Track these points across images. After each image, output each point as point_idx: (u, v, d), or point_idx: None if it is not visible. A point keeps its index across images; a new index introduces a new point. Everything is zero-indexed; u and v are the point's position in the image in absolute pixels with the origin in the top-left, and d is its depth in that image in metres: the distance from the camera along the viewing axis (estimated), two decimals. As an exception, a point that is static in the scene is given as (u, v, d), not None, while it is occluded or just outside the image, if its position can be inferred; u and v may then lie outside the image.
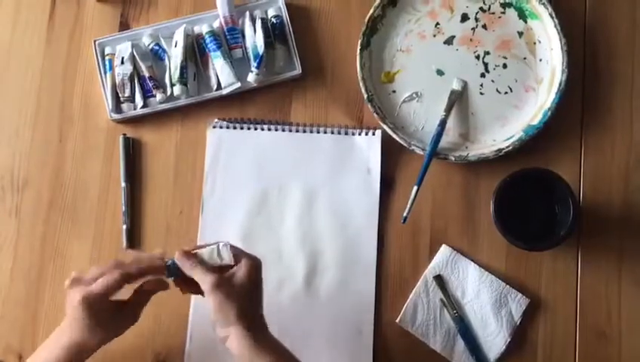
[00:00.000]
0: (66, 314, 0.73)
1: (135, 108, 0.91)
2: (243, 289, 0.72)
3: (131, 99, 0.91)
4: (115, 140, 0.91)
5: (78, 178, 0.91)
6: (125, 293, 0.75)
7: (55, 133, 0.92)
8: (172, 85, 0.90)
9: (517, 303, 0.86)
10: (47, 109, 0.93)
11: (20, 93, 0.93)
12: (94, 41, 0.92)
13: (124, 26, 0.95)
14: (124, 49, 0.91)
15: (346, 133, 0.91)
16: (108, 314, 0.72)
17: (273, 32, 0.92)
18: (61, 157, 0.92)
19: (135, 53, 0.91)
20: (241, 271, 0.72)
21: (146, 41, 0.92)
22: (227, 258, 0.73)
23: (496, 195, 0.84)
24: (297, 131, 0.92)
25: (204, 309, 0.85)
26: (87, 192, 0.91)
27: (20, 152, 0.92)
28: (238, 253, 0.74)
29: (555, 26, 0.90)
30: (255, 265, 0.73)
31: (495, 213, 0.83)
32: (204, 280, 0.71)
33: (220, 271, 0.72)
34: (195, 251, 0.74)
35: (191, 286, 0.75)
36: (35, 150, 0.92)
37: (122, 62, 0.90)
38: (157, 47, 0.92)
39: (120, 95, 0.91)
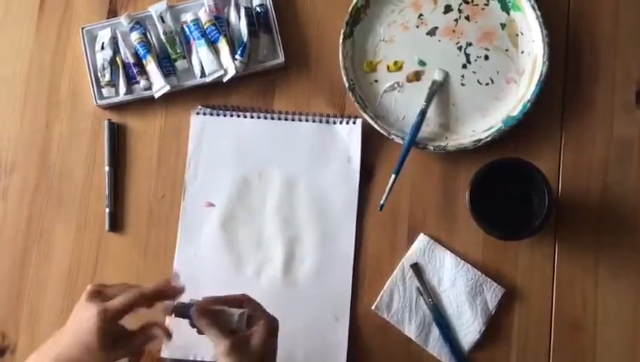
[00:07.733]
0: (72, 324, 0.69)
1: (118, 94, 0.93)
2: (257, 356, 0.69)
3: (112, 83, 0.92)
4: (101, 126, 0.93)
5: (64, 162, 0.93)
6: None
7: (42, 118, 0.94)
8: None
9: (492, 292, 0.87)
10: (35, 95, 0.95)
11: (8, 79, 0.95)
12: (82, 29, 0.94)
13: (112, 13, 0.96)
14: (104, 34, 0.93)
15: (327, 122, 0.92)
16: (115, 338, 0.69)
17: (257, 21, 0.93)
18: (48, 141, 0.94)
19: (121, 39, 0.93)
20: (257, 338, 0.70)
21: (125, 22, 0.93)
22: (243, 327, 0.71)
23: (472, 185, 0.84)
24: (279, 119, 0.93)
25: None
26: (72, 176, 0.93)
27: (9, 137, 0.94)
28: (256, 314, 0.72)
29: (537, 17, 0.91)
30: (272, 329, 0.72)
31: (471, 202, 0.84)
32: (219, 342, 0.69)
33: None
34: (213, 307, 0.72)
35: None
36: (23, 134, 0.94)
37: (102, 48, 0.92)
38: (138, 26, 0.93)
39: (100, 79, 0.92)
